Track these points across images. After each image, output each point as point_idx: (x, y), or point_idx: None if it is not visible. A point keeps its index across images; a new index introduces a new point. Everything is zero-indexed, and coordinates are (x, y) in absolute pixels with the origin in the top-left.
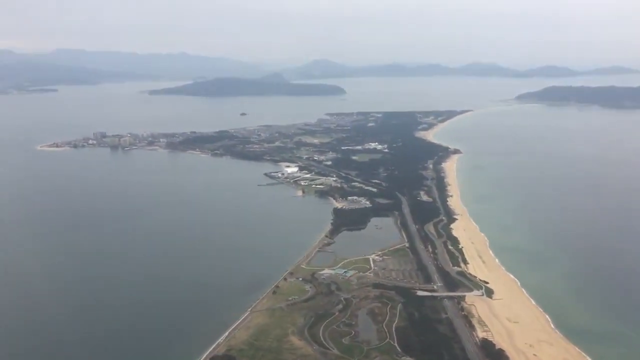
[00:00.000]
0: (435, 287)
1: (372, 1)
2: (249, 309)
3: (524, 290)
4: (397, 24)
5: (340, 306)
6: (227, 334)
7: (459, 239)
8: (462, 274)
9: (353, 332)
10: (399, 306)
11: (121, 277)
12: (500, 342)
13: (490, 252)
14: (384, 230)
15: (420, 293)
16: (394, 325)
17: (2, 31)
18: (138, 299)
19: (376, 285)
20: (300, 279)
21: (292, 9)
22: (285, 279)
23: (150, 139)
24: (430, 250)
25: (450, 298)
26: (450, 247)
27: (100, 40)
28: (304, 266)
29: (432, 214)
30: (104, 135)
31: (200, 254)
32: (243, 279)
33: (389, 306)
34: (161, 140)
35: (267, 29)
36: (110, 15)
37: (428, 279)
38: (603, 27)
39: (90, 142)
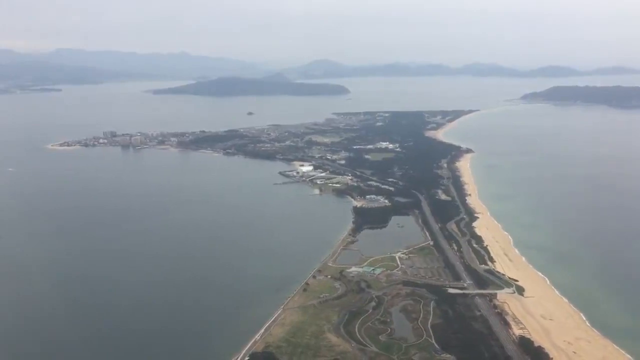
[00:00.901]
0: (465, 284)
1: (371, 1)
2: (282, 307)
3: (554, 288)
4: (396, 23)
5: (373, 304)
6: (262, 331)
7: (482, 237)
8: (491, 272)
9: (389, 330)
10: (432, 304)
11: (151, 277)
12: (538, 339)
13: (516, 250)
14: (405, 229)
15: (451, 291)
16: (429, 323)
17: (2, 31)
18: (171, 299)
19: (406, 283)
20: (329, 276)
21: (291, 9)
22: (314, 276)
23: (160, 138)
24: (455, 248)
25: (482, 296)
26: (475, 245)
27: (100, 40)
28: (330, 264)
29: (453, 213)
30: (114, 135)
31: (226, 253)
32: (271, 276)
33: (422, 304)
34: (171, 139)
35: (267, 29)
36: (109, 15)
37: (457, 277)
38: (603, 26)
39: (101, 141)
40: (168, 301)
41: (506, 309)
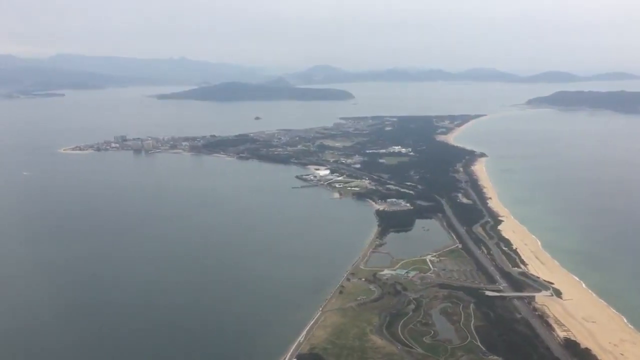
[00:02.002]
0: (501, 287)
1: (369, 7)
2: (320, 309)
3: (590, 291)
4: (395, 29)
5: (412, 306)
6: (305, 332)
7: (510, 240)
8: (525, 274)
9: (432, 332)
10: (472, 306)
11: (186, 280)
12: (584, 341)
13: (546, 253)
14: (431, 232)
15: (488, 293)
16: (472, 325)
17: (3, 37)
18: (209, 302)
19: (442, 286)
20: (363, 279)
21: (289, 14)
22: (347, 279)
23: (171, 142)
24: (485, 251)
25: (520, 298)
26: (504, 248)
27: (99, 46)
28: (362, 267)
29: (476, 216)
30: (124, 139)
31: (256, 256)
32: (305, 279)
33: (461, 306)
34: (183, 143)
35: (265, 34)
36: (109, 21)
37: (491, 280)
38: (602, 32)
39: (113, 145)
40: (207, 304)
41: (546, 311)
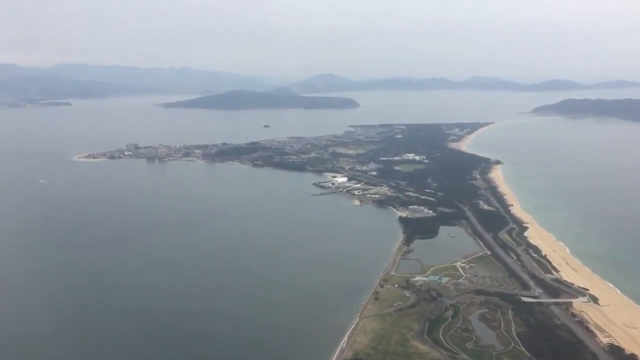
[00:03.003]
0: (536, 293)
1: (370, 16)
2: (357, 315)
3: (627, 297)
4: (396, 38)
5: (450, 312)
6: (346, 338)
7: (538, 247)
8: (558, 281)
9: (474, 337)
10: (510, 312)
11: (218, 288)
12: (629, 347)
13: (576, 259)
14: (457, 239)
15: (525, 299)
16: (513, 331)
17: (5, 46)
18: (246, 309)
19: (478, 292)
20: (396, 285)
21: (290, 23)
22: (381, 285)
23: (184, 150)
24: (515, 258)
25: (557, 304)
26: (533, 254)
27: (101, 55)
28: (393, 273)
29: (501, 223)
30: (137, 147)
31: (285, 263)
32: (337, 285)
33: (499, 312)
34: (196, 151)
35: (266, 44)
36: (110, 30)
37: (524, 286)
38: (603, 40)
39: (126, 153)
40: (244, 313)
41: (585, 317)
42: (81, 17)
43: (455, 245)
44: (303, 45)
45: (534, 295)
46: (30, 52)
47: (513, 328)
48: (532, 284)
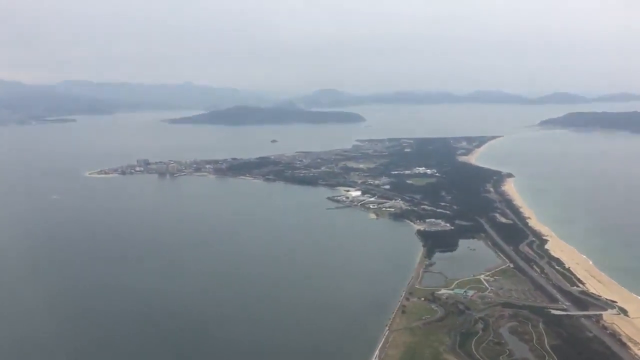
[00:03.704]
0: (564, 306)
1: (371, 31)
2: (386, 328)
3: None
4: (397, 52)
5: (480, 325)
6: (377, 352)
7: (561, 259)
8: (585, 293)
9: (507, 351)
10: (541, 325)
11: (244, 301)
12: None
13: (601, 272)
14: (477, 252)
15: (554, 312)
16: (546, 343)
17: (10, 63)
18: (273, 323)
19: (506, 305)
20: (422, 298)
21: (292, 39)
22: (407, 298)
23: (194, 165)
24: (539, 271)
25: (587, 317)
26: (557, 267)
27: (105, 72)
28: (418, 286)
29: (520, 236)
30: (147, 163)
31: (307, 276)
32: (363, 299)
33: (530, 325)
34: (207, 166)
35: (268, 59)
36: (113, 48)
37: (552, 299)
38: (605, 54)
39: (137, 169)
40: (272, 328)
41: (617, 330)
42: (84, 35)
43: (476, 258)
44: (306, 61)
45: (563, 308)
46: (34, 70)
47: (546, 341)
48: (558, 296)
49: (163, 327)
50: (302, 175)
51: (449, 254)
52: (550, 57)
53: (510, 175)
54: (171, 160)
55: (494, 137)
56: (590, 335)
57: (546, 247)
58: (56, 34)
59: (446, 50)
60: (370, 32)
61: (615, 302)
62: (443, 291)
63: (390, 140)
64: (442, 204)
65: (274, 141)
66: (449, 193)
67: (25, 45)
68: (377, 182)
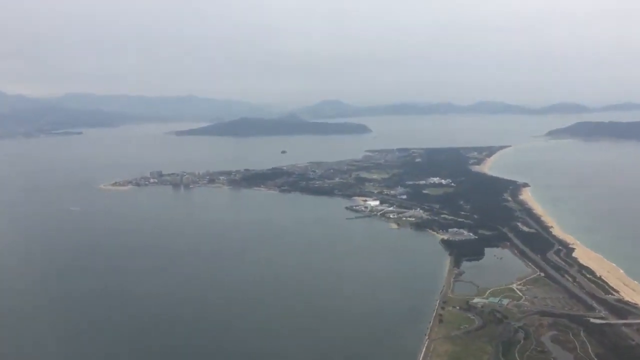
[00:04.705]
0: (602, 314)
1: (372, 43)
2: (426, 337)
3: None
4: (399, 63)
5: (521, 334)
6: None
7: (591, 268)
8: (622, 301)
9: None
10: (582, 333)
11: (281, 311)
12: None
13: (634, 280)
14: (505, 261)
15: (593, 320)
16: (591, 352)
17: (12, 77)
18: (313, 336)
19: (544, 314)
20: (457, 307)
21: (294, 51)
22: (442, 307)
23: (207, 176)
24: (571, 279)
25: (628, 325)
26: (588, 276)
27: (107, 85)
28: (451, 295)
29: (545, 244)
30: (160, 174)
31: (339, 285)
32: (397, 308)
33: (571, 333)
34: (220, 177)
35: (271, 71)
36: (115, 60)
37: (588, 307)
38: (607, 64)
39: (152, 180)
40: (315, 333)
41: None
42: (86, 48)
43: (504, 267)
44: (308, 73)
45: (601, 317)
46: (36, 83)
47: (590, 350)
48: (595, 304)
49: (194, 341)
50: (317, 185)
51: (475, 262)
52: (552, 68)
53: (526, 184)
54: (184, 172)
55: (502, 147)
56: (633, 343)
57: (574, 255)
58: (58, 48)
59: (447, 62)
60: (371, 45)
61: None
62: (477, 300)
63: (399, 150)
64: (462, 213)
65: (283, 152)
66: (467, 202)
67: (28, 59)
68: (393, 192)
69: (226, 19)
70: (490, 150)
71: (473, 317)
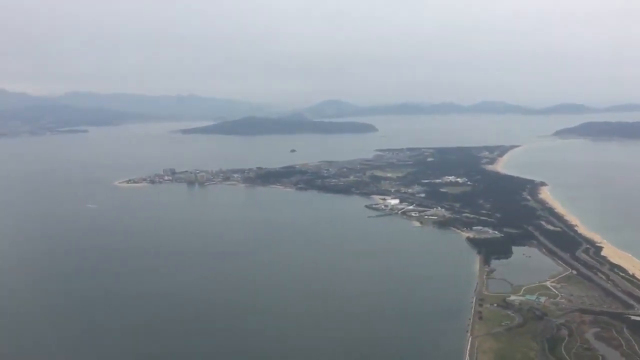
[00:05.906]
0: None
1: (374, 43)
2: (467, 334)
3: None
4: (401, 63)
5: (565, 331)
6: (467, 358)
7: (622, 266)
8: None
9: (600, 357)
10: (626, 330)
11: (314, 311)
12: None
13: None
14: (533, 259)
15: (635, 318)
16: (637, 349)
17: (15, 75)
18: (357, 337)
19: (584, 311)
20: (495, 305)
21: (296, 51)
22: (479, 304)
23: (221, 174)
24: (604, 277)
25: None
26: (620, 273)
27: (109, 83)
28: (486, 292)
29: (573, 243)
30: (174, 172)
31: (373, 283)
32: (435, 306)
33: (614, 330)
34: (234, 175)
35: (272, 71)
36: (117, 59)
37: (626, 305)
38: (608, 64)
39: (166, 178)
40: (362, 333)
41: None
42: (89, 47)
43: (534, 265)
44: (310, 72)
45: None
46: (39, 81)
47: (636, 347)
48: (632, 302)
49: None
50: (332, 183)
51: (504, 260)
52: (554, 68)
53: (543, 183)
54: (197, 169)
55: (513, 147)
56: None
57: (602, 253)
58: (61, 46)
59: (448, 62)
60: (371, 45)
61: None
62: (513, 297)
63: (410, 149)
64: (483, 212)
65: (293, 151)
66: (487, 201)
67: (29, 58)
68: (410, 190)
69: (227, 19)
70: (501, 150)
71: (513, 314)
